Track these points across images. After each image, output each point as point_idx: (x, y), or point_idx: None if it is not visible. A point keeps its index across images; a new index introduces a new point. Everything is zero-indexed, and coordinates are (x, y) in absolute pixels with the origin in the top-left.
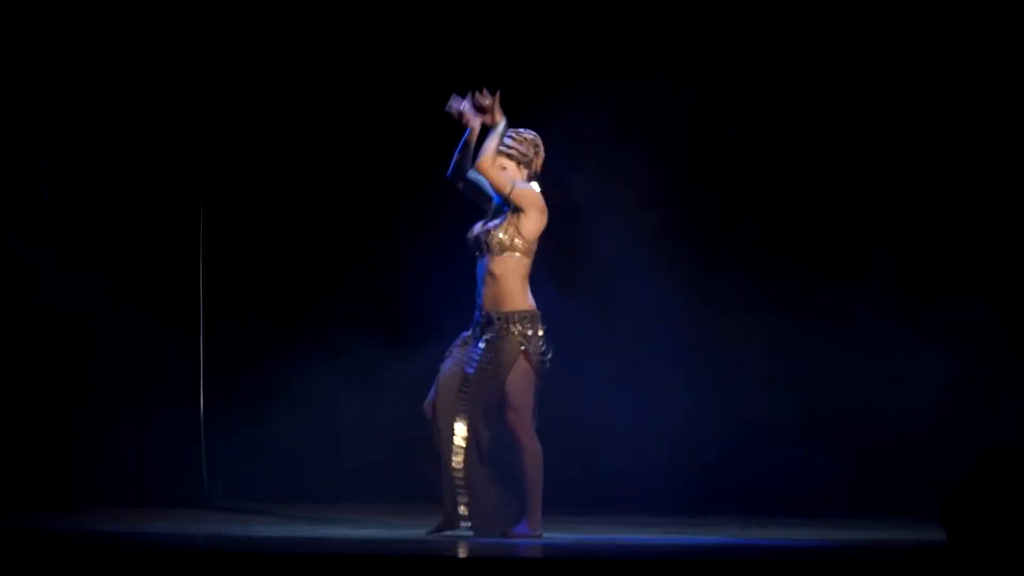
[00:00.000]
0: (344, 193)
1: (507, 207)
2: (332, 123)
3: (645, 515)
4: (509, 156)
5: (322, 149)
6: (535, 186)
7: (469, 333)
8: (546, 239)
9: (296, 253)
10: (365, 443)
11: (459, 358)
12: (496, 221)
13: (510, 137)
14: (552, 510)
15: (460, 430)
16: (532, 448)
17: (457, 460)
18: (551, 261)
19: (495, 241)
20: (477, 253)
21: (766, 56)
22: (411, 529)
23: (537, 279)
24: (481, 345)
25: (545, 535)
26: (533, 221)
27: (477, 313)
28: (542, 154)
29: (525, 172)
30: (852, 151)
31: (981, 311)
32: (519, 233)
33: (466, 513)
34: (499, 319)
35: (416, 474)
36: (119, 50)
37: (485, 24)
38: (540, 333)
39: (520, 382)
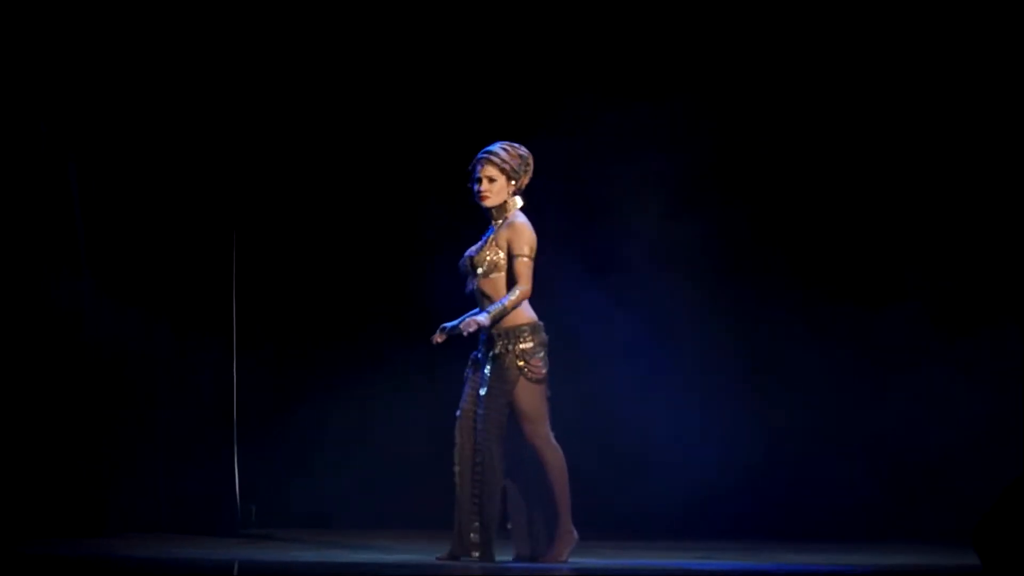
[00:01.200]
0: (376, 219)
1: (492, 228)
2: (364, 148)
3: (673, 540)
4: (502, 170)
5: (353, 175)
6: (520, 213)
7: (478, 354)
8: (576, 259)
9: (329, 280)
10: (398, 468)
11: (473, 380)
12: (480, 243)
13: (504, 150)
14: (580, 535)
15: (478, 456)
16: (553, 456)
17: (474, 487)
18: (586, 277)
19: (483, 263)
20: (469, 276)
21: (807, 81)
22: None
23: (578, 297)
24: (487, 366)
25: (575, 560)
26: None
27: (481, 333)
28: (530, 172)
29: (512, 186)
30: (890, 175)
31: (1016, 336)
32: (503, 253)
33: (477, 540)
34: (499, 336)
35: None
36: (151, 82)
37: (518, 38)
38: (541, 343)
39: (529, 395)
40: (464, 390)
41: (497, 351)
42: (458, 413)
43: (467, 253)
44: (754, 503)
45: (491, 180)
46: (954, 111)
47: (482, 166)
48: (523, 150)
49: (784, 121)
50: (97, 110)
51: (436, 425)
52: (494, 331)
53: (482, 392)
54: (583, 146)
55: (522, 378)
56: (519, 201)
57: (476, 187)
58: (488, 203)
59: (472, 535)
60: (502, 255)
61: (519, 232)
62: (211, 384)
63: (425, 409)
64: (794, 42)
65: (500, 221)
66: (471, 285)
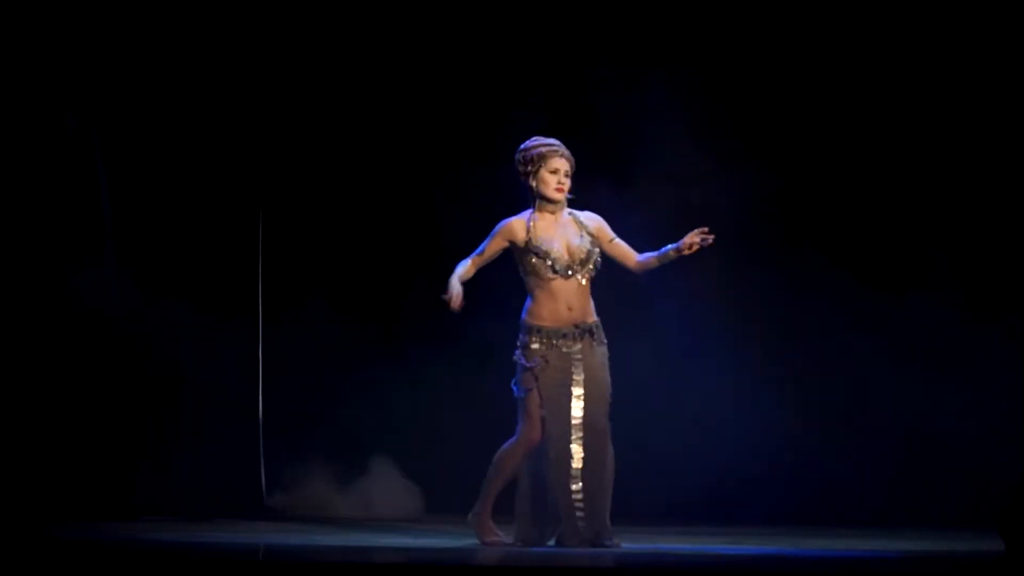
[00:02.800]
0: (402, 197)
1: (588, 236)
2: (388, 125)
3: (702, 525)
4: (572, 167)
5: (378, 153)
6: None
7: (545, 346)
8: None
9: (356, 262)
10: (425, 452)
11: (559, 374)
12: (583, 244)
13: (562, 145)
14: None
15: (577, 451)
16: (610, 447)
17: (576, 480)
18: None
19: (594, 263)
20: (563, 275)
21: (836, 65)
22: (472, 539)
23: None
24: (579, 356)
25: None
26: None
27: (553, 324)
28: None
29: (569, 182)
30: (916, 157)
31: None
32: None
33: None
34: (595, 329)
35: (473, 484)
36: (177, 64)
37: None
38: None
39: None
40: (541, 389)
41: (593, 343)
42: (539, 412)
43: (566, 249)
44: (781, 489)
45: (567, 175)
46: (983, 100)
47: (559, 159)
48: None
49: (817, 107)
50: (124, 91)
51: (459, 409)
52: (586, 324)
53: (577, 381)
54: (612, 117)
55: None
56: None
57: (553, 179)
58: (563, 196)
59: (580, 524)
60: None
61: (600, 220)
62: (236, 367)
63: (452, 392)
64: (819, 34)
65: (559, 216)
66: (570, 280)
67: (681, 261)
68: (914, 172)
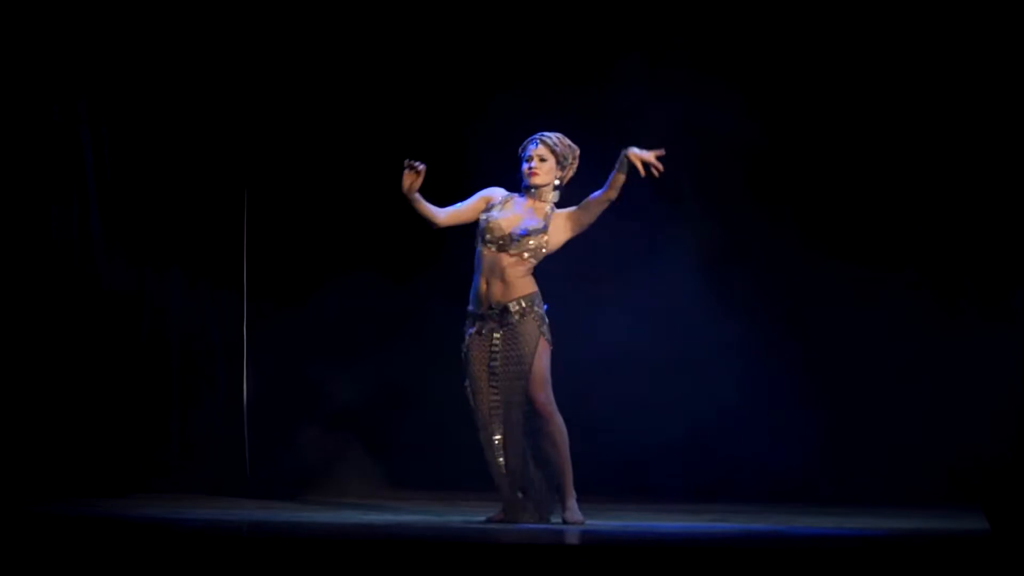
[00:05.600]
0: (394, 182)
1: (544, 222)
2: (375, 105)
3: (687, 503)
4: (553, 152)
5: (371, 136)
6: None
7: (474, 330)
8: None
9: (341, 242)
10: (407, 429)
11: (480, 357)
12: (530, 224)
13: (557, 136)
14: (594, 498)
15: (498, 429)
16: (560, 423)
17: (500, 458)
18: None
19: (528, 247)
20: (495, 246)
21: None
22: (454, 516)
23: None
24: (498, 335)
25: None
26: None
27: (475, 307)
28: (575, 167)
29: (559, 172)
30: (902, 135)
31: (1012, 305)
32: (548, 246)
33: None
34: (514, 306)
35: (456, 461)
36: (166, 41)
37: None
38: (545, 309)
39: (545, 359)
40: (470, 369)
41: (515, 319)
42: (467, 383)
43: (508, 224)
44: (764, 467)
45: (542, 159)
46: (982, 88)
47: (535, 145)
48: (572, 143)
49: (809, 88)
50: (113, 65)
51: (446, 386)
52: (505, 303)
53: (494, 364)
54: (602, 92)
55: (542, 338)
56: (557, 196)
57: (527, 164)
58: (535, 180)
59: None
60: (547, 245)
61: (574, 209)
62: (223, 344)
63: (435, 369)
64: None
65: (538, 203)
66: (496, 256)
67: (634, 241)
68: (902, 149)
